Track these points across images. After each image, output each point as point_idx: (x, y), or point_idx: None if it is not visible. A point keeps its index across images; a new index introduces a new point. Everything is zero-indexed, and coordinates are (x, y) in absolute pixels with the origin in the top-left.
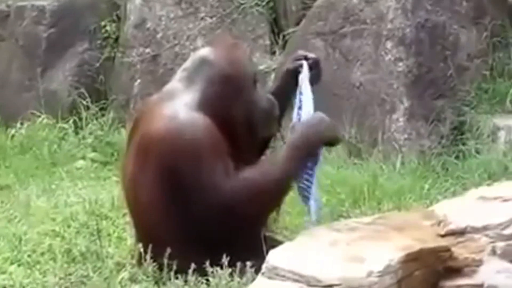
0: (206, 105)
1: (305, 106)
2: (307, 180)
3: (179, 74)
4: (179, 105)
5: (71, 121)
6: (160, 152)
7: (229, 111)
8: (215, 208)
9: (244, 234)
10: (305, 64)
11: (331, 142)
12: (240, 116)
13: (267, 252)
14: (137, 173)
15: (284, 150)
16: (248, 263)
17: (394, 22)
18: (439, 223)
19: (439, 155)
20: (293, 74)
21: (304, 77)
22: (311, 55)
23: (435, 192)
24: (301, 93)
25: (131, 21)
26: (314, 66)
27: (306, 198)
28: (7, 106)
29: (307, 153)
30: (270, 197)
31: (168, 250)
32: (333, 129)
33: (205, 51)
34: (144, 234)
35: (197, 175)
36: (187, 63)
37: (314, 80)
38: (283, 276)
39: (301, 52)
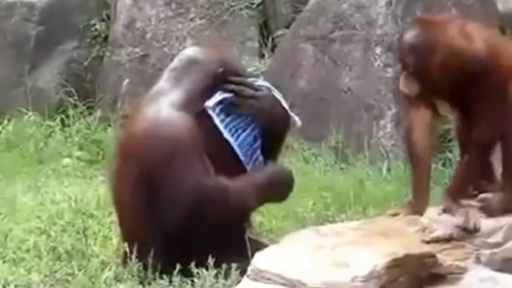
0: (191, 104)
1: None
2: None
3: (166, 74)
4: (163, 106)
5: (58, 119)
6: (139, 153)
7: None
8: (189, 206)
9: (224, 235)
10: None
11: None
12: None
13: (252, 255)
14: (120, 174)
15: (256, 181)
16: (234, 265)
17: (383, 28)
18: (424, 230)
19: None
20: None
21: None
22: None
23: None
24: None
25: (121, 20)
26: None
27: None
28: None
29: (266, 198)
30: (233, 208)
31: (153, 250)
32: (290, 188)
33: (192, 51)
34: (129, 233)
35: (173, 175)
36: (174, 63)
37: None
38: (268, 279)
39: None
